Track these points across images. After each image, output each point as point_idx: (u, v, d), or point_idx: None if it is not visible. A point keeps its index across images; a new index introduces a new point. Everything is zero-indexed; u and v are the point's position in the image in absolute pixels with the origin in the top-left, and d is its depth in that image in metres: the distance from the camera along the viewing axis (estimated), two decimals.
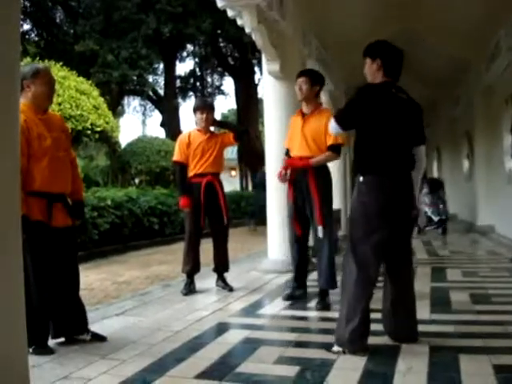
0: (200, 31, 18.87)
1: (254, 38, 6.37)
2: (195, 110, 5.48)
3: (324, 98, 10.89)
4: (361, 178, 3.32)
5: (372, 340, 3.31)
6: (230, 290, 5.43)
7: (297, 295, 4.80)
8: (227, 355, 3.30)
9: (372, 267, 3.25)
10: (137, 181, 17.08)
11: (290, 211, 4.81)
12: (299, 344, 3.51)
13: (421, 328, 3.56)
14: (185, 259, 5.49)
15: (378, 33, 6.68)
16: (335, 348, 3.23)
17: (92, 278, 6.97)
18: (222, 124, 5.69)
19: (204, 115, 5.38)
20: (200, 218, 5.36)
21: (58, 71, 11.22)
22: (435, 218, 10.92)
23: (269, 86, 6.95)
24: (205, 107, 5.49)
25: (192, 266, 5.45)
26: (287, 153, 4.87)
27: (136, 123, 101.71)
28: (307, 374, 2.90)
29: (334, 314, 4.15)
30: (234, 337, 3.72)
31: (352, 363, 3.04)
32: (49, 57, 13.29)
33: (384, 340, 3.42)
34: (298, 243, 4.80)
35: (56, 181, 3.52)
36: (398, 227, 3.32)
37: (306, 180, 4.59)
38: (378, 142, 3.29)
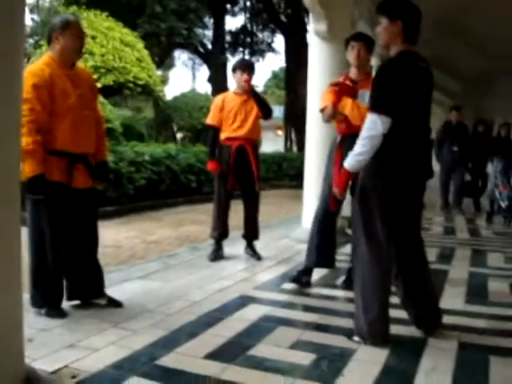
0: None
1: None
2: (235, 68, 5.25)
3: (374, 61, 10.44)
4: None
5: (397, 329, 3.10)
6: (259, 258, 5.29)
7: (303, 281, 4.28)
8: (242, 334, 3.15)
9: (385, 250, 2.96)
10: (179, 136, 16.98)
11: (328, 181, 4.13)
12: (319, 327, 3.32)
13: (452, 320, 3.34)
14: (213, 224, 5.36)
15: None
16: (356, 337, 3.03)
17: (122, 235, 6.94)
18: (256, 95, 5.34)
19: (244, 75, 5.13)
20: (227, 183, 5.19)
21: (103, 21, 11.08)
22: (503, 204, 8.71)
23: (314, 47, 6.63)
24: (246, 66, 5.23)
25: (220, 232, 5.32)
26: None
27: (187, 77, 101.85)
28: (322, 364, 2.72)
29: None
30: (253, 313, 3.56)
31: (372, 356, 2.83)
32: (95, 6, 13.14)
33: (411, 330, 3.18)
34: (327, 220, 4.23)
35: (79, 140, 3.37)
36: (407, 210, 3.04)
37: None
38: (400, 123, 2.84)
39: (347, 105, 4.07)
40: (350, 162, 2.95)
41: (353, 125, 4.08)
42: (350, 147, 4.07)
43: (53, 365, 2.62)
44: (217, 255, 5.28)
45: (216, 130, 5.25)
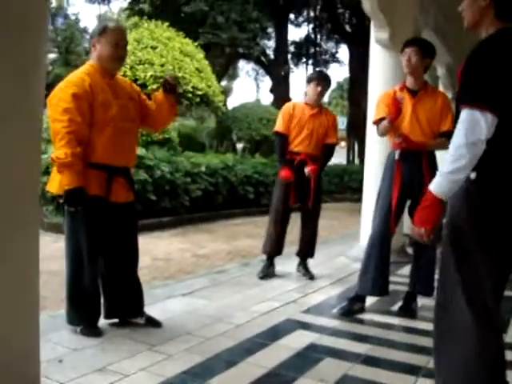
0: None
1: (361, 1, 5.76)
2: (310, 80, 5.00)
3: (440, 70, 9.99)
4: (473, 175, 2.05)
5: None
6: (311, 278, 5.00)
7: (355, 310, 3.95)
8: (284, 364, 2.89)
9: (494, 311, 2.10)
10: (239, 146, 16.93)
11: (387, 202, 3.84)
12: (370, 360, 3.01)
13: None
14: (266, 239, 5.10)
15: None
16: None
17: (173, 247, 6.82)
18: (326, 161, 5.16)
19: (319, 88, 4.90)
20: (289, 196, 4.94)
21: (163, 31, 11.13)
22: None
23: (376, 56, 6.30)
24: (321, 79, 4.97)
25: (273, 248, 5.05)
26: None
27: (251, 87, 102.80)
28: None
29: (419, 325, 3.65)
30: (299, 340, 3.29)
31: None
32: (159, 17, 13.24)
33: None
34: (384, 243, 3.88)
35: (119, 153, 3.20)
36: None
37: (417, 168, 3.77)
38: (505, 126, 1.99)
39: (405, 119, 3.78)
40: (440, 185, 2.02)
41: (412, 140, 3.79)
42: (411, 165, 3.83)
43: None
44: (267, 273, 5.01)
45: (285, 137, 4.96)
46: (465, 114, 1.96)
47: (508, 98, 1.97)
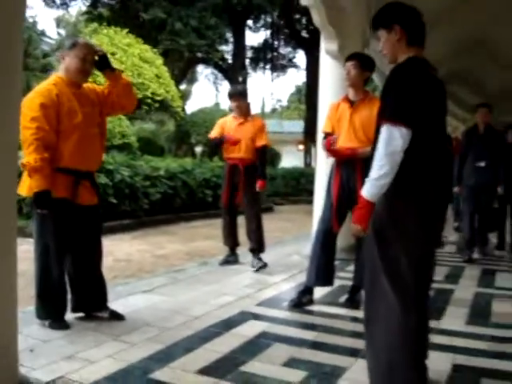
0: (270, 2, 18.54)
1: (311, 14, 6.10)
2: (228, 96, 5.72)
3: None
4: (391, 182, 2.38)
5: None
6: (264, 265, 5.55)
7: (304, 302, 4.25)
8: (237, 350, 3.19)
9: (414, 296, 2.41)
10: (198, 150, 17.17)
11: (329, 203, 4.27)
12: (315, 345, 3.34)
13: (449, 341, 3.34)
14: (222, 233, 5.89)
15: (456, 16, 6.23)
16: None
17: (134, 249, 7.04)
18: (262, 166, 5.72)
19: (235, 103, 5.57)
20: (226, 194, 5.67)
21: (123, 38, 11.32)
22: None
23: (326, 66, 6.61)
24: (235, 95, 5.64)
25: (227, 240, 5.82)
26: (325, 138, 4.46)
27: (211, 91, 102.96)
28: (312, 382, 2.75)
29: (362, 314, 3.97)
30: (251, 329, 3.60)
31: (363, 375, 2.83)
32: (118, 23, 13.38)
33: None
34: (326, 238, 4.25)
35: (84, 158, 3.48)
36: (430, 243, 2.53)
37: (352, 173, 4.15)
38: (419, 137, 2.35)
39: (344, 127, 4.19)
40: (369, 190, 2.38)
41: (339, 152, 4.22)
42: (348, 172, 4.17)
43: (49, 375, 2.69)
44: (226, 260, 5.77)
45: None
46: (384, 128, 2.34)
47: (418, 113, 2.35)
